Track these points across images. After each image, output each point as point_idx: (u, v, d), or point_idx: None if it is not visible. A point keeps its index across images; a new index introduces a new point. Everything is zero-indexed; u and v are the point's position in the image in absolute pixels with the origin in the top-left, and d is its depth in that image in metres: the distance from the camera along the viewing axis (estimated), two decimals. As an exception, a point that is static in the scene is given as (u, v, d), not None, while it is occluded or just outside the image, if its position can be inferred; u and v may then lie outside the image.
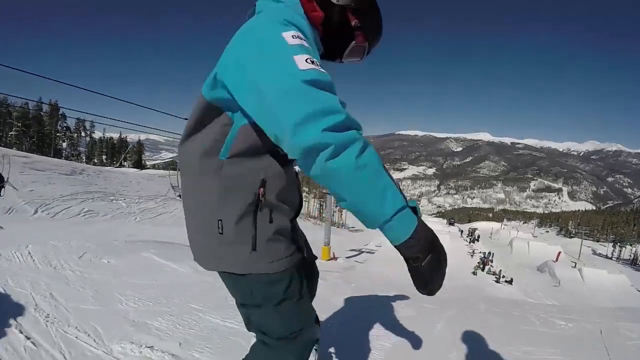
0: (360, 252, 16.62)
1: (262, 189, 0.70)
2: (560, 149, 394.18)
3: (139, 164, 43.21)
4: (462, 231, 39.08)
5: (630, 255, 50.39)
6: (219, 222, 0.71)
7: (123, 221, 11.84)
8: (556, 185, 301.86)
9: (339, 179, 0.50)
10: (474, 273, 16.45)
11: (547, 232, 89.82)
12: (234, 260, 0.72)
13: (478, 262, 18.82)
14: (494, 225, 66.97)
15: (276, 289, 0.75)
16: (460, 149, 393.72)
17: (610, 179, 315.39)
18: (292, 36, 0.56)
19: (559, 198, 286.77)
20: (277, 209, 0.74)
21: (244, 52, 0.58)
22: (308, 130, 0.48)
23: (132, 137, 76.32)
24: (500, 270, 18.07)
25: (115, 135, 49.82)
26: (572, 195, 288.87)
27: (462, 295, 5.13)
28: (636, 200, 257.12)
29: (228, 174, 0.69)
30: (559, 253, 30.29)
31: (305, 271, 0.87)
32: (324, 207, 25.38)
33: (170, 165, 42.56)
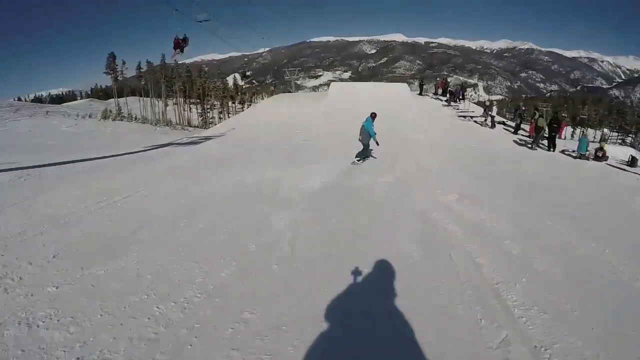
0: None
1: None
2: (474, 47, 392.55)
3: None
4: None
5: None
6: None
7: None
8: (472, 81, 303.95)
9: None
10: None
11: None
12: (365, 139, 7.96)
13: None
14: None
15: (368, 143, 8.02)
16: (374, 51, 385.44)
17: (523, 75, 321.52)
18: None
19: (475, 92, 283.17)
20: None
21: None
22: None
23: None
24: None
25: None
26: (488, 90, 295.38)
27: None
28: (548, 94, 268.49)
29: None
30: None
31: None
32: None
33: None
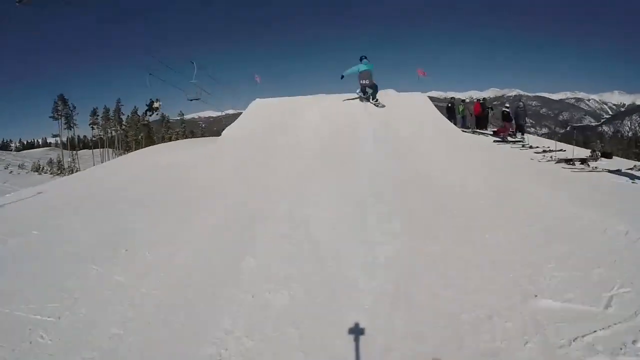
0: None
1: None
2: (464, 98, 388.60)
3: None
4: None
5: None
6: None
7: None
8: None
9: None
10: None
11: None
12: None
13: None
14: None
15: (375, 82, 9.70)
16: None
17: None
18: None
19: None
20: None
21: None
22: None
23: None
24: None
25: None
26: None
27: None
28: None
29: None
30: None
31: None
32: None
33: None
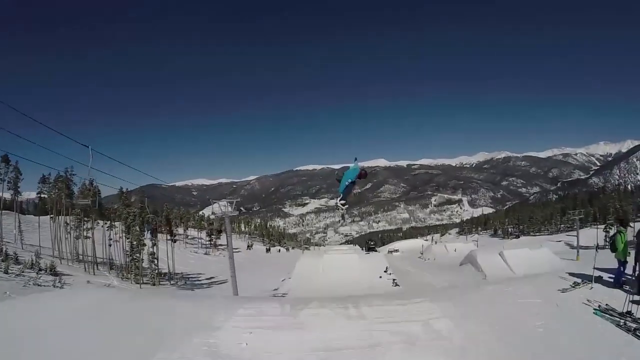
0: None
1: None
2: (454, 164, 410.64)
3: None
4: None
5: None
6: None
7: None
8: (456, 197, 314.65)
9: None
10: (380, 277, 23.14)
11: (480, 234, 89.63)
12: None
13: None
14: (420, 242, 71.18)
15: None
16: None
17: (504, 183, 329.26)
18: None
19: (461, 208, 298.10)
20: None
21: None
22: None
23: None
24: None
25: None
26: (472, 203, 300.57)
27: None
28: (532, 197, 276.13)
29: None
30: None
31: None
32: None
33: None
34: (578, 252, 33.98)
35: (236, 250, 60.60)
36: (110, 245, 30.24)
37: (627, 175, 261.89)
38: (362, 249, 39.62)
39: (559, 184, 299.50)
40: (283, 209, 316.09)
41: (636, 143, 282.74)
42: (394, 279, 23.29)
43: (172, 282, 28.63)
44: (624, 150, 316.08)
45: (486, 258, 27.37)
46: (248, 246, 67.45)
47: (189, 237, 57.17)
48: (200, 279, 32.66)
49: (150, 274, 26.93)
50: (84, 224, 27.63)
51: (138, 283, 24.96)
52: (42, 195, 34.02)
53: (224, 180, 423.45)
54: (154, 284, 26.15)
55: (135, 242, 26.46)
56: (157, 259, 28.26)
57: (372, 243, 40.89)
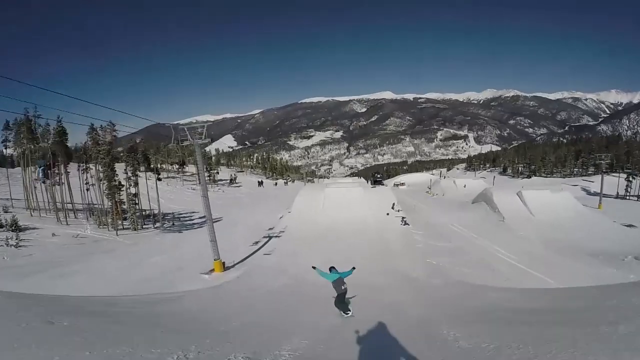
0: (269, 238, 18.46)
1: None
2: (461, 99, 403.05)
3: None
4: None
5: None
6: None
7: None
8: (462, 133, 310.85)
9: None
10: (387, 213, 21.41)
11: (489, 171, 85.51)
12: None
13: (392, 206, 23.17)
14: (427, 176, 70.02)
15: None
16: (364, 109, 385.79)
17: (511, 122, 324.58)
18: None
19: (467, 144, 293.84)
20: None
21: None
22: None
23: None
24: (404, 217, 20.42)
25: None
26: (478, 140, 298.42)
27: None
28: (538, 137, 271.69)
29: None
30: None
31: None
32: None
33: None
34: (601, 200, 31.62)
35: (236, 185, 59.66)
36: (87, 189, 27.44)
37: (636, 126, 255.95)
38: (367, 182, 36.97)
39: (566, 128, 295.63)
40: (288, 142, 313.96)
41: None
42: (403, 218, 21.65)
43: (156, 225, 26.25)
44: (635, 101, 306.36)
45: (503, 198, 25.89)
46: (259, 182, 64.31)
47: (188, 174, 55.41)
48: (193, 217, 30.69)
49: (131, 217, 24.35)
50: (53, 169, 24.56)
51: (115, 229, 22.95)
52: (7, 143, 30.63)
53: (228, 115, 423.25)
54: (135, 229, 24.04)
55: (109, 184, 23.28)
56: (139, 201, 25.67)
57: (378, 176, 37.33)
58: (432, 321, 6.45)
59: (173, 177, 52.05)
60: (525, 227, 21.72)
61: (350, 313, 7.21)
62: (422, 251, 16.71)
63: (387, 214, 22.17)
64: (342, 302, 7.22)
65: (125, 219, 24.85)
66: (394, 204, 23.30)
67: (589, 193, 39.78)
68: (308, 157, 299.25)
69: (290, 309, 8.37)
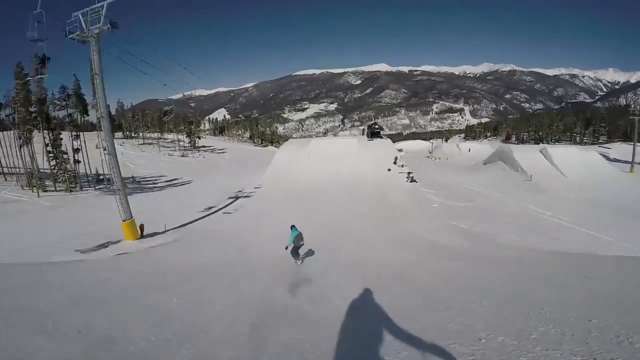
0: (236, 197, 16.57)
1: None
2: (457, 73, 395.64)
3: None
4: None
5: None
6: None
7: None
8: (458, 106, 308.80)
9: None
10: (389, 169, 18.96)
11: (490, 140, 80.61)
12: None
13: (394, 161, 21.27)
14: (426, 143, 63.07)
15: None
16: (359, 81, 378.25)
17: (507, 96, 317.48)
18: None
19: (462, 117, 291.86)
20: None
21: None
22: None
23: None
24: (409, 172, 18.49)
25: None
26: (474, 113, 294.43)
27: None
28: (535, 113, 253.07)
29: None
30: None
31: None
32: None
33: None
34: (633, 164, 28.36)
35: (220, 151, 56.44)
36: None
37: (634, 105, 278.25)
38: (363, 135, 33.24)
39: (562, 104, 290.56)
40: (282, 115, 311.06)
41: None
42: (409, 173, 17.56)
43: (97, 187, 22.97)
44: (632, 80, 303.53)
45: (525, 155, 22.34)
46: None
47: (167, 140, 54.87)
48: (157, 181, 27.16)
49: (63, 178, 21.18)
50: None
51: (37, 191, 19.66)
52: None
53: (221, 89, 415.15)
54: (70, 191, 20.61)
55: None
56: (76, 162, 22.82)
57: (376, 127, 31.68)
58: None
59: (150, 144, 50.76)
60: (557, 187, 18.84)
61: (300, 262, 7.39)
62: (441, 212, 13.47)
63: (389, 169, 18.03)
64: (296, 253, 7.45)
65: (57, 180, 21.32)
66: (396, 158, 19.82)
67: (608, 159, 37.17)
68: (302, 130, 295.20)
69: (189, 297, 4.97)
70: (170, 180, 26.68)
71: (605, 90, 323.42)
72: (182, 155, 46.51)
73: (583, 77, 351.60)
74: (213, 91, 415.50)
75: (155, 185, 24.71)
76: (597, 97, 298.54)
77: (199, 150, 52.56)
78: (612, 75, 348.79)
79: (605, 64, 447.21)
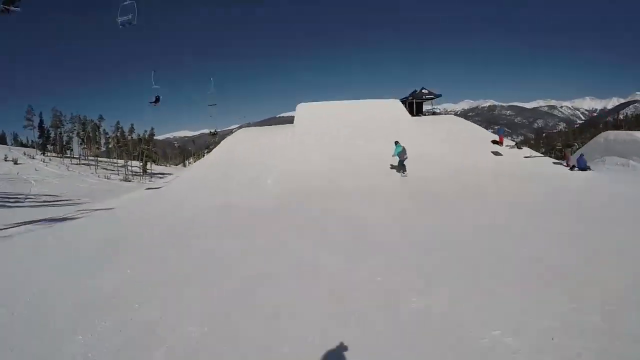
0: None
1: None
2: (438, 111, 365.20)
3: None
4: None
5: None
6: None
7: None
8: None
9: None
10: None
11: None
12: None
13: None
14: None
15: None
16: None
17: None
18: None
19: None
20: None
21: None
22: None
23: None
24: None
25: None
26: None
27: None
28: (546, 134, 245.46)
29: None
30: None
31: None
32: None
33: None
34: None
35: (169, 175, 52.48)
36: None
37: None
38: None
39: (543, 135, 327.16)
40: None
41: (622, 101, 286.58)
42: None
43: None
44: (609, 107, 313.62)
45: None
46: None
47: (112, 163, 53.86)
48: (48, 201, 22.71)
49: None
50: None
51: None
52: None
53: (206, 131, 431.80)
54: None
55: None
56: None
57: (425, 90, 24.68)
58: None
59: (87, 164, 48.53)
60: None
61: (406, 173, 10.71)
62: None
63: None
64: (402, 165, 10.63)
65: None
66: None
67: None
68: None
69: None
70: (62, 201, 22.11)
71: (583, 118, 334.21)
72: (125, 180, 42.47)
73: (561, 107, 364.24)
74: (198, 133, 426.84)
75: (35, 204, 19.71)
76: (576, 126, 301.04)
77: (151, 177, 48.95)
78: (589, 103, 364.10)
79: (581, 94, 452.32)
